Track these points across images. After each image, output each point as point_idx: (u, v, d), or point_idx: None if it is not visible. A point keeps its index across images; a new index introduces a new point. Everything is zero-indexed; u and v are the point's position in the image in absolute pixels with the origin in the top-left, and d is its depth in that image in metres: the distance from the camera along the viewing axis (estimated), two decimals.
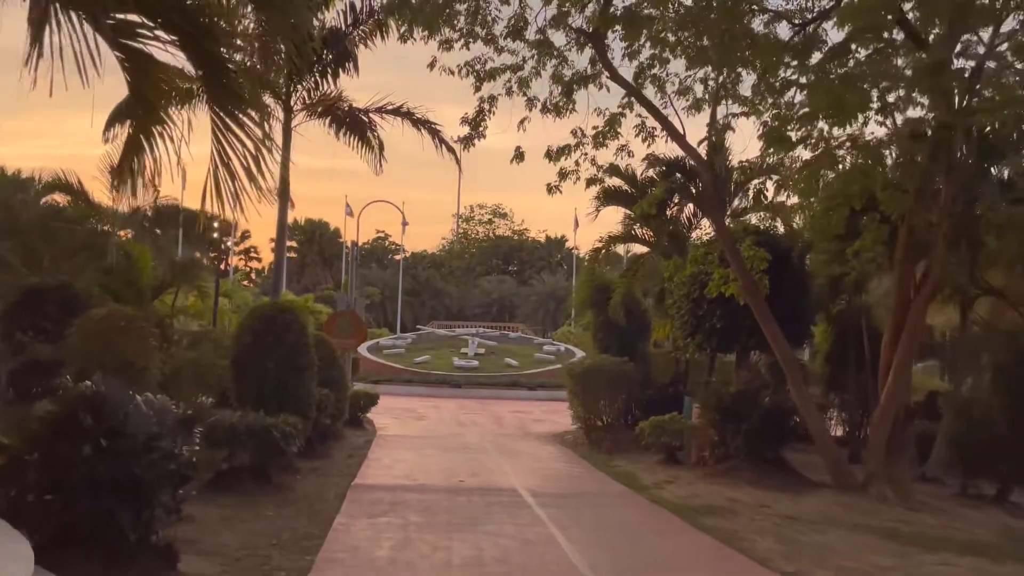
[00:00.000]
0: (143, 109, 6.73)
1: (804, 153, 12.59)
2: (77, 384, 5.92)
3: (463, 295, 66.07)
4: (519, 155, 14.42)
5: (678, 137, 12.55)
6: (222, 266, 57.86)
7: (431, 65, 12.96)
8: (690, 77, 13.28)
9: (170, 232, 23.77)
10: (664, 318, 19.33)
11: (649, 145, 12.98)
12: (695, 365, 17.88)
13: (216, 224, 27.22)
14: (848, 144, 10.97)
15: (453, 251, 77.83)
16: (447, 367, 32.78)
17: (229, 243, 55.39)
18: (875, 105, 11.22)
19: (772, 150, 11.79)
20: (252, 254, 71.28)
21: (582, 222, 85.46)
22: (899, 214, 11.11)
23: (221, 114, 6.16)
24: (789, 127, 11.23)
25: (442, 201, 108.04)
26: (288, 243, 68.26)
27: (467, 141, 14.53)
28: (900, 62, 10.97)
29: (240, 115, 6.19)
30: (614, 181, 18.18)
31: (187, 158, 6.49)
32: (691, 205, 18.15)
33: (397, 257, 64.05)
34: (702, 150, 14.36)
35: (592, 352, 18.71)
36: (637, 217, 18.56)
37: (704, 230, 17.70)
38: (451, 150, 16.92)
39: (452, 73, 13.40)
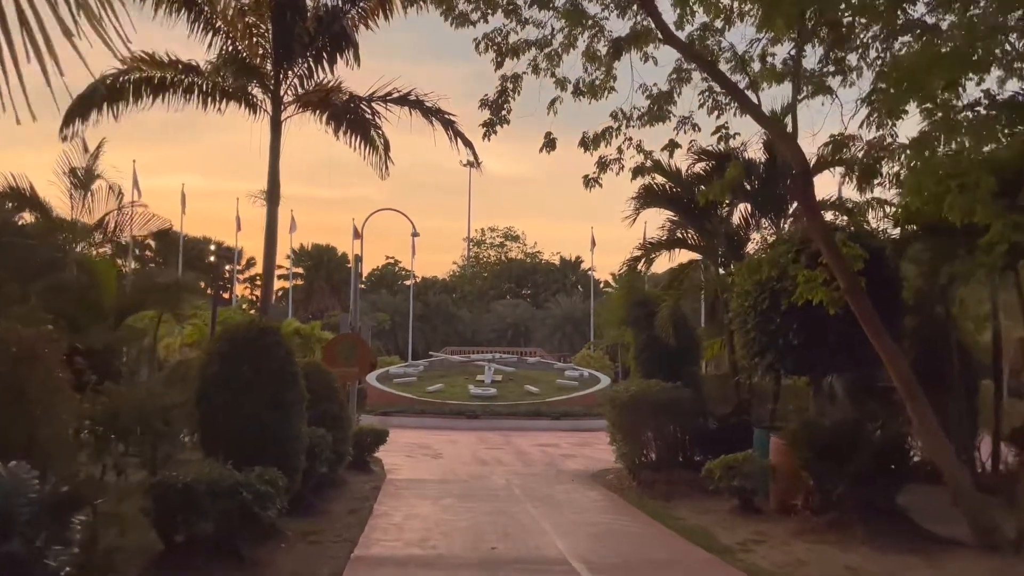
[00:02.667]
0: None
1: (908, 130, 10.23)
2: None
3: (476, 320, 63.60)
4: (550, 142, 12.09)
5: (752, 108, 10.10)
6: (225, 294, 55.87)
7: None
8: (754, 46, 10.94)
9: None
10: (716, 336, 16.84)
11: (719, 116, 10.54)
12: (756, 391, 15.38)
13: (213, 247, 25.20)
14: (984, 102, 8.49)
15: (465, 275, 75.52)
16: (463, 396, 30.21)
17: (229, 268, 53.33)
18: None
19: (878, 117, 9.34)
20: (258, 282, 69.12)
21: (608, 237, 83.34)
22: None
23: None
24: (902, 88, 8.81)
25: (452, 228, 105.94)
26: (294, 269, 66.39)
27: (488, 127, 12.18)
28: None
29: None
30: (656, 179, 15.84)
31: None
32: (747, 205, 15.70)
33: (407, 282, 61.77)
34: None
35: (635, 376, 16.16)
36: (681, 220, 16.18)
37: (765, 231, 15.19)
38: (467, 144, 14.59)
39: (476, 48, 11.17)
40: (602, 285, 66.01)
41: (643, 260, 16.23)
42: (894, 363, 9.30)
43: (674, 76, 11.29)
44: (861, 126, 10.08)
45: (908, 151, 9.44)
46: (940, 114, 8.67)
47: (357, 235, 48.81)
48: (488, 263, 79.41)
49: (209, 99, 14.10)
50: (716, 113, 10.52)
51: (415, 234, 21.12)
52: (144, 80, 13.76)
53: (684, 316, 15.84)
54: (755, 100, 10.23)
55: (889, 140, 10.10)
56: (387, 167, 16.13)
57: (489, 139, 12.36)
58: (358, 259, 17.17)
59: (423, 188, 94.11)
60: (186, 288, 16.06)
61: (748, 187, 15.67)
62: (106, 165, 13.70)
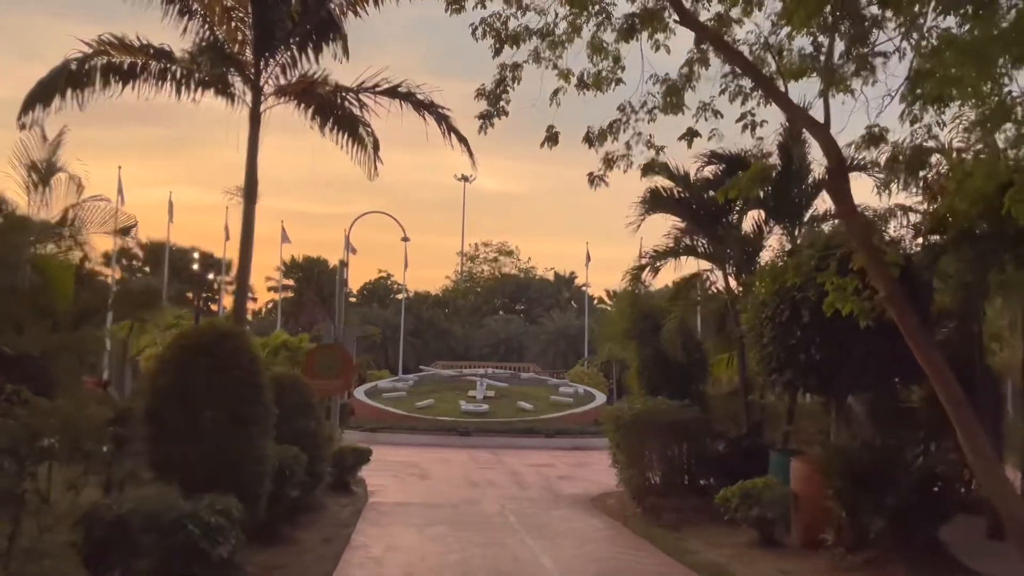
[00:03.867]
0: None
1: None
2: None
3: (469, 335, 62.43)
4: (552, 137, 11.05)
5: (778, 94, 9.05)
6: (214, 305, 54.56)
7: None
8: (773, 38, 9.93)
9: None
10: (724, 351, 15.76)
11: (743, 102, 9.45)
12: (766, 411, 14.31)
13: (196, 255, 24.02)
14: None
15: (458, 290, 74.42)
16: (454, 412, 29.01)
17: (217, 279, 52.08)
18: None
19: (920, 105, 8.31)
20: (248, 293, 67.84)
21: (602, 256, 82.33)
22: None
23: None
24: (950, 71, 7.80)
25: (446, 244, 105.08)
26: (285, 281, 65.14)
27: (485, 119, 11.14)
28: None
29: None
30: (662, 183, 14.82)
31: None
32: (759, 212, 14.66)
33: (399, 296, 60.60)
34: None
35: (638, 394, 15.05)
36: (688, 228, 15.12)
37: (780, 238, 14.15)
38: (462, 140, 13.48)
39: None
40: (596, 302, 65.04)
41: (647, 269, 15.14)
42: (943, 382, 8.20)
43: (693, 54, 10.25)
44: (901, 116, 9.09)
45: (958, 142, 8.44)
46: (996, 98, 7.67)
47: (352, 249, 47.80)
48: (481, 278, 78.39)
49: (183, 88, 13.01)
50: (740, 99, 9.45)
51: (405, 239, 20.07)
52: (112, 66, 12.68)
53: (691, 330, 14.75)
54: (781, 88, 9.22)
55: (931, 133, 9.07)
56: (376, 167, 15.02)
57: (486, 132, 11.29)
58: (343, 264, 16.02)
59: (417, 204, 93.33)
60: (154, 295, 14.87)
61: (761, 193, 14.68)
62: (70, 157, 12.58)
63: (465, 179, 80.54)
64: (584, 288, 62.66)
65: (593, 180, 11.35)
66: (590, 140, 11.14)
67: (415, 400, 30.50)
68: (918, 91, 8.59)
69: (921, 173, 8.99)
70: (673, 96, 9.57)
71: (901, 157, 8.56)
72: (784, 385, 11.69)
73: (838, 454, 9.15)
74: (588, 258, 52.84)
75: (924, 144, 8.61)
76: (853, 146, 10.74)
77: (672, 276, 15.79)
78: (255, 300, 69.30)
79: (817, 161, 14.31)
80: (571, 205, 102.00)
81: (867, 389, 11.55)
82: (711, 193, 14.76)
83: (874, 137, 9.13)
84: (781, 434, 13.15)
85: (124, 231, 12.55)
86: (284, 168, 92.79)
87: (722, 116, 9.59)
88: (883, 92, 9.16)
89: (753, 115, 9.32)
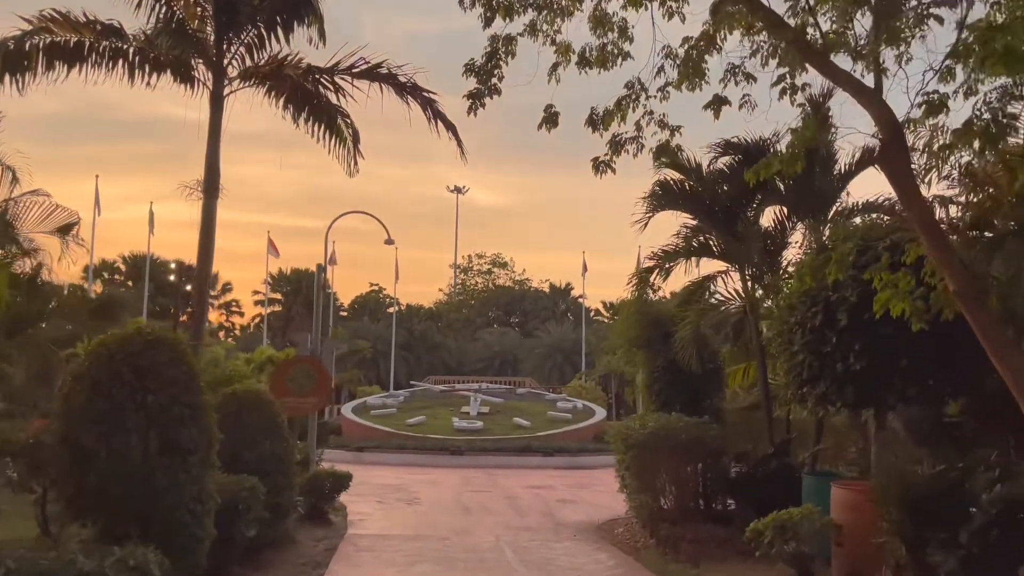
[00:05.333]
0: None
1: None
2: None
3: (462, 349, 60.94)
4: (551, 117, 9.71)
5: (816, 56, 7.69)
6: (184, 318, 52.96)
7: None
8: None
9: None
10: (742, 360, 14.36)
11: (778, 64, 8.06)
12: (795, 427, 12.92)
13: (173, 265, 22.55)
14: None
15: (452, 303, 72.94)
16: (446, 429, 27.50)
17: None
18: None
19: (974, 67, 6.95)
20: (234, 308, 66.34)
21: (598, 269, 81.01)
22: None
23: None
24: None
25: (438, 259, 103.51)
26: (273, 295, 63.57)
27: (475, 99, 9.79)
28: None
29: None
30: (671, 175, 13.47)
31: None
32: (780, 207, 13.31)
33: (391, 310, 59.08)
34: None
35: (647, 408, 13.64)
36: (700, 225, 13.74)
37: (804, 234, 12.79)
38: (449, 127, 12.11)
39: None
40: (593, 314, 63.66)
41: (656, 272, 13.73)
42: None
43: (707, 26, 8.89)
44: (957, 87, 7.74)
45: None
46: None
47: (332, 260, 46.37)
48: (475, 290, 76.98)
49: (137, 70, 11.64)
50: (774, 62, 8.07)
51: (389, 241, 18.64)
52: (56, 45, 11.30)
53: (705, 338, 13.34)
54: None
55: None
56: (356, 162, 13.70)
57: (475, 114, 9.91)
58: (321, 269, 14.62)
59: (410, 219, 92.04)
60: (113, 303, 13.41)
61: (781, 185, 13.34)
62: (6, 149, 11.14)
63: (458, 191, 79.41)
64: (580, 299, 61.42)
65: (599, 166, 9.98)
66: (594, 122, 9.78)
67: (405, 417, 29.00)
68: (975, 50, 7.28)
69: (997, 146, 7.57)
70: (696, 58, 8.18)
71: (978, 122, 7.17)
72: (817, 399, 10.28)
73: (895, 479, 7.72)
74: (584, 268, 51.71)
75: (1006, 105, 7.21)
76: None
77: (682, 280, 14.46)
78: (242, 315, 67.84)
79: (845, 149, 13.02)
80: (565, 219, 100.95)
81: (914, 402, 10.14)
82: (725, 187, 13.46)
83: (933, 106, 7.76)
84: (809, 454, 11.74)
85: (64, 229, 11.11)
86: (275, 184, 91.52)
87: (755, 80, 8.22)
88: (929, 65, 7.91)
89: (791, 76, 7.92)
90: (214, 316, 63.85)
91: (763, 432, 13.13)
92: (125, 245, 61.29)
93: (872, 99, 7.41)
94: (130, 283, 56.05)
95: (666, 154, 9.64)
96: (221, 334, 62.25)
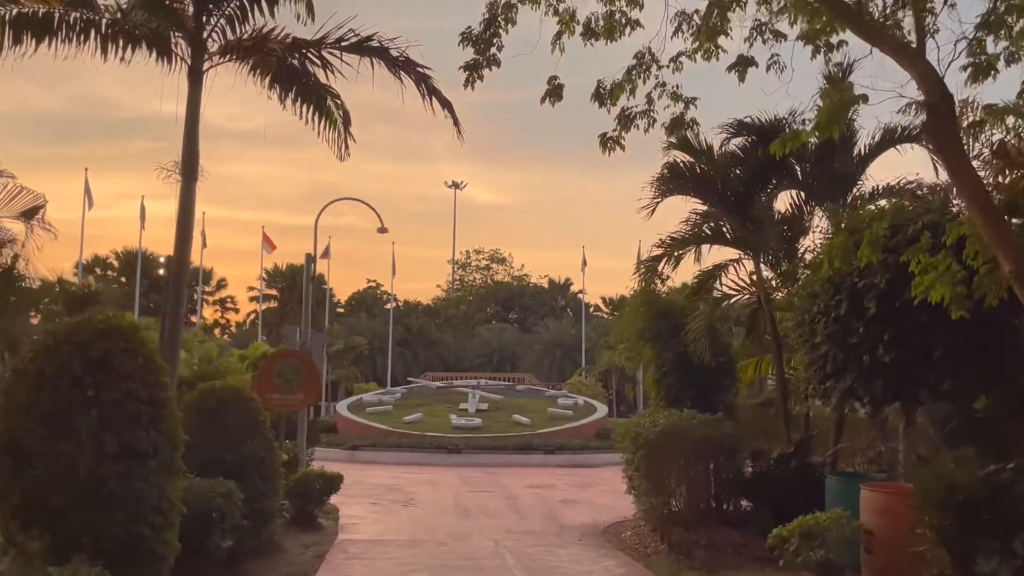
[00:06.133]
0: None
1: None
2: None
3: (460, 345, 60.16)
4: (554, 90, 9.02)
5: (849, 12, 6.92)
6: (193, 316, 52.13)
7: None
8: None
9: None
10: (755, 353, 13.62)
11: (810, 19, 7.28)
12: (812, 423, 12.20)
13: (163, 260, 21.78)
14: None
15: (450, 299, 72.14)
16: (443, 427, 26.74)
17: (196, 289, 49.76)
18: None
19: None
20: (228, 304, 65.55)
21: (597, 266, 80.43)
22: None
23: None
24: None
25: (437, 257, 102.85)
26: (268, 291, 62.74)
27: (472, 71, 9.10)
28: None
29: None
30: (681, 157, 12.73)
31: None
32: (797, 191, 12.58)
33: (388, 306, 58.28)
34: None
35: (655, 405, 12.90)
36: (711, 211, 13.01)
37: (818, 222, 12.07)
38: (445, 104, 11.32)
39: None
40: (592, 309, 62.90)
41: (664, 260, 12.99)
42: None
43: None
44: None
45: None
46: None
47: (326, 254, 45.62)
48: (473, 286, 76.15)
49: (110, 44, 10.83)
50: (802, 20, 7.30)
51: (383, 230, 17.85)
52: (23, 17, 10.51)
53: (717, 330, 12.60)
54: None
55: None
56: (347, 146, 12.89)
57: (472, 87, 9.23)
58: (310, 258, 13.84)
59: (408, 216, 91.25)
60: (88, 295, 12.66)
61: (798, 169, 12.61)
62: None
63: (456, 185, 78.67)
64: (580, 295, 60.69)
65: (607, 143, 9.28)
66: (601, 96, 9.09)
67: (402, 414, 28.25)
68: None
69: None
70: (718, 17, 7.42)
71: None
72: (842, 393, 9.55)
73: (939, 482, 6.98)
74: (584, 262, 50.86)
75: None
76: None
77: (691, 270, 13.73)
78: (237, 311, 67.00)
79: (866, 127, 12.29)
80: (564, 218, 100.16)
81: (944, 397, 9.40)
82: (738, 170, 12.73)
83: (981, 68, 7.01)
84: (830, 453, 11.02)
85: (29, 213, 10.34)
86: (272, 182, 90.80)
87: (784, 38, 7.47)
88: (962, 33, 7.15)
89: (826, 33, 7.15)
90: (209, 313, 63.10)
91: (778, 429, 12.43)
92: (120, 242, 60.42)
93: (914, 60, 6.65)
94: (123, 279, 55.27)
95: (681, 128, 8.91)
96: (217, 331, 61.53)
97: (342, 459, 22.81)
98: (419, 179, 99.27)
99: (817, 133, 6.64)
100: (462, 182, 76.86)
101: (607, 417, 30.19)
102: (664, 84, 9.04)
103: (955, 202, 9.29)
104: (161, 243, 57.82)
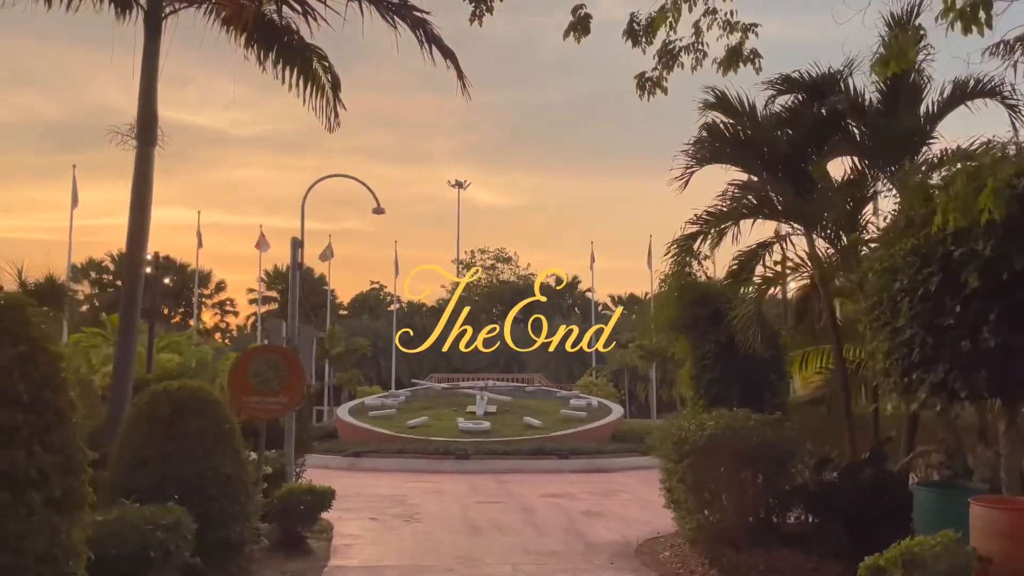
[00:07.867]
0: None
1: None
2: None
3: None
4: (580, 21, 7.39)
5: None
6: (190, 319, 50.63)
7: None
8: None
9: None
10: (808, 343, 11.97)
11: None
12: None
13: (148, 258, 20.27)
14: None
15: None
16: (450, 431, 25.11)
17: (192, 291, 48.27)
18: None
19: None
20: (228, 307, 64.08)
21: (605, 267, 78.66)
22: None
23: None
24: None
25: (441, 259, 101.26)
26: (268, 293, 61.22)
27: (480, 3, 7.55)
28: None
29: None
30: (719, 117, 11.10)
31: None
32: (854, 157, 10.92)
33: (392, 308, 56.70)
34: None
35: (693, 405, 11.24)
36: (753, 181, 11.37)
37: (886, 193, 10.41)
38: (447, 55, 9.70)
39: None
40: (600, 308, 61.21)
41: (701, 238, 11.33)
42: None
43: None
44: None
45: None
46: None
47: (331, 254, 44.02)
48: (478, 286, 74.51)
49: None
50: None
51: (379, 210, 16.21)
52: None
53: (764, 318, 10.94)
54: None
55: None
56: (337, 114, 11.37)
57: (480, 21, 7.65)
58: (296, 243, 12.21)
59: (411, 219, 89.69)
60: (53, 287, 11.05)
61: (856, 130, 10.95)
62: None
63: (459, 185, 77.05)
64: (588, 293, 59.05)
65: (645, 84, 7.66)
66: (634, 33, 7.50)
67: (406, 418, 26.62)
68: None
69: None
70: None
71: None
72: (932, 387, 7.87)
73: None
74: (592, 259, 49.16)
75: None
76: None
77: (729, 251, 12.07)
78: (236, 314, 65.51)
79: (937, 77, 10.65)
80: (570, 217, 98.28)
81: None
82: (788, 132, 11.08)
83: None
84: (908, 458, 9.36)
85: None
86: (273, 187, 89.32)
87: None
88: None
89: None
90: (208, 316, 61.67)
91: (832, 432, 10.80)
92: (117, 247, 59.03)
93: None
94: (119, 283, 53.82)
95: (738, 61, 7.27)
96: (217, 335, 60.09)
97: (343, 467, 21.29)
98: (422, 182, 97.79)
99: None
100: (465, 181, 75.21)
101: (623, 419, 28.55)
102: (715, 11, 7.44)
103: None
104: (161, 245, 56.39)
